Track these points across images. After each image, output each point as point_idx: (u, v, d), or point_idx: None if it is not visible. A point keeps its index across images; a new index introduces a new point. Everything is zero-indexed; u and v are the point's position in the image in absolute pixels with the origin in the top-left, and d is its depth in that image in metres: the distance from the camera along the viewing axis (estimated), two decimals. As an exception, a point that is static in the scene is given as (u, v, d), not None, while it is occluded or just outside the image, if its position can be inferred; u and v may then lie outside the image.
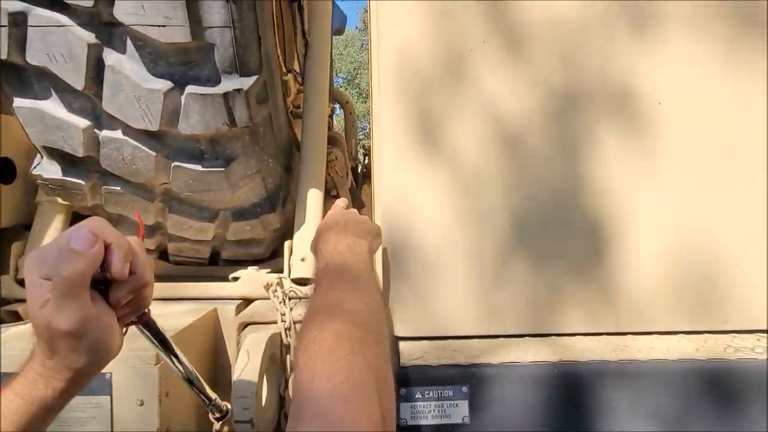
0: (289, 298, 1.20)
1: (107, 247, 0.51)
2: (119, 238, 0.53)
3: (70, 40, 0.89)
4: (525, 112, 1.06)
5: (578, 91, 1.06)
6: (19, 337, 0.99)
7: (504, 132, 1.07)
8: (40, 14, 0.88)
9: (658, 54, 1.06)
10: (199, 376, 0.75)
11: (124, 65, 0.93)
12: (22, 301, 1.23)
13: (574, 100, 1.06)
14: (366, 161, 3.17)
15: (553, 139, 1.06)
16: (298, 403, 0.48)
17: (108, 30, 0.92)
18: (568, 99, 1.06)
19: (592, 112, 1.06)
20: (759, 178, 1.05)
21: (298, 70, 2.24)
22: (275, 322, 1.13)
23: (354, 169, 2.80)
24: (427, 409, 0.92)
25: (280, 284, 1.20)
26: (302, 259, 1.27)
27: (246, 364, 0.94)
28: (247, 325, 1.16)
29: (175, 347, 0.66)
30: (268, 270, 1.38)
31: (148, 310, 0.62)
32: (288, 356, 1.10)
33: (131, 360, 0.87)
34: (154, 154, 1.03)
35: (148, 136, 1.02)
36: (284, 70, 1.51)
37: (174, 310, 1.15)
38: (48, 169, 1.09)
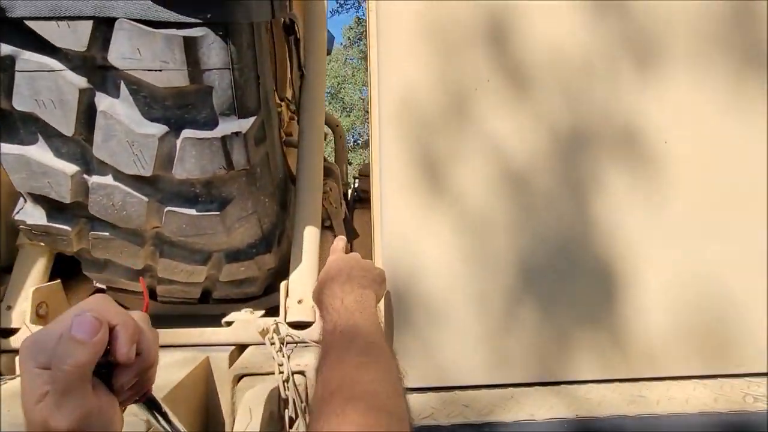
0: (286, 344, 1.15)
1: (112, 330, 0.47)
2: (124, 318, 0.48)
3: (61, 86, 0.85)
4: (530, 151, 1.05)
5: (583, 130, 1.05)
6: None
7: (509, 173, 1.04)
8: (28, 59, 0.84)
9: (663, 92, 1.05)
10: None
11: (117, 110, 0.89)
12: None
13: (579, 139, 1.05)
14: (356, 184, 3.14)
15: (559, 180, 1.04)
16: None
17: (101, 74, 0.87)
18: (574, 138, 1.05)
19: (598, 151, 1.05)
20: (769, 218, 1.04)
21: (290, 98, 2.22)
22: (272, 373, 1.08)
23: (345, 195, 2.77)
24: (439, 472, 0.88)
25: (276, 330, 1.15)
26: (299, 302, 1.22)
27: (248, 424, 0.88)
28: (242, 377, 1.10)
29: (178, 424, 0.61)
30: (262, 312, 1.33)
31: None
32: (286, 411, 1.04)
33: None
34: (146, 199, 0.98)
35: (140, 182, 0.97)
36: (278, 101, 1.48)
37: (164, 361, 1.09)
38: (32, 215, 1.04)
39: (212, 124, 0.95)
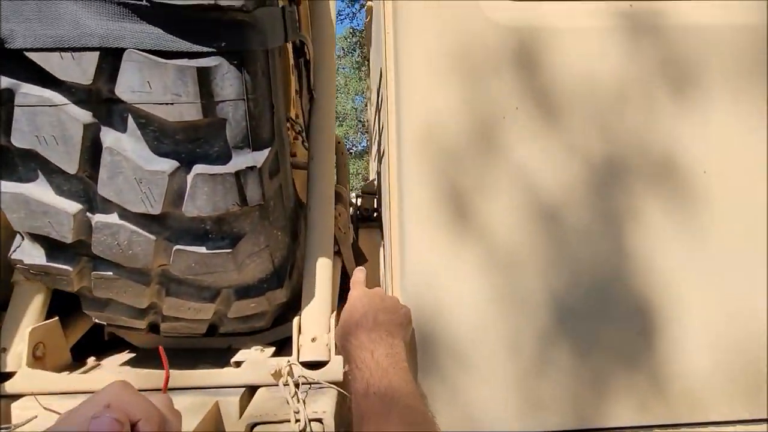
0: (300, 385, 1.08)
1: (134, 426, 0.41)
2: (147, 410, 0.42)
3: (63, 121, 0.78)
4: (562, 183, 0.99)
5: (618, 160, 1.00)
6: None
7: (540, 206, 0.99)
8: (28, 92, 0.77)
9: (701, 120, 1.00)
10: None
11: (124, 145, 0.82)
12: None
13: (613, 170, 0.99)
14: (359, 202, 3.08)
15: (593, 213, 0.99)
16: None
17: (107, 107, 0.81)
18: (608, 169, 0.99)
19: (634, 183, 0.99)
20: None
21: (293, 117, 2.15)
22: (287, 421, 1.00)
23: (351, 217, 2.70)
24: None
25: (290, 372, 1.08)
26: (313, 339, 1.15)
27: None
28: (255, 425, 1.03)
29: None
30: (273, 349, 1.26)
31: None
32: (305, 462, 0.97)
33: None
34: (153, 238, 0.92)
35: (147, 219, 0.90)
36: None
37: (171, 407, 1.02)
38: (30, 254, 0.96)
39: (225, 159, 0.89)
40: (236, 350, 1.43)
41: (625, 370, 0.96)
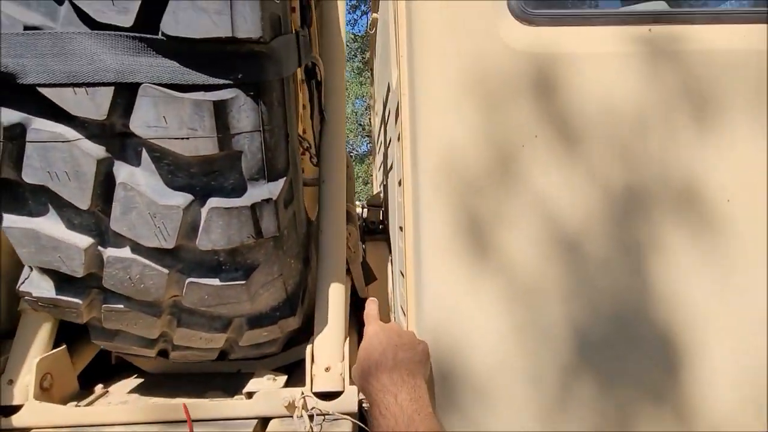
0: (314, 417, 1.06)
1: None
2: None
3: (76, 156, 0.76)
4: (582, 213, 0.97)
5: (639, 189, 0.97)
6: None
7: (560, 236, 0.97)
8: (40, 128, 0.75)
9: (724, 147, 0.98)
10: None
11: (137, 179, 0.80)
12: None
13: (635, 199, 0.97)
14: (364, 214, 3.05)
15: (615, 243, 0.97)
16: None
17: (120, 141, 0.79)
18: (629, 198, 0.97)
19: (656, 212, 0.97)
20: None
21: (301, 133, 2.13)
22: (304, 455, 0.98)
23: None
24: None
25: (304, 405, 1.06)
26: (326, 369, 1.13)
27: None
28: (270, 459, 1.00)
29: None
30: (284, 378, 1.23)
31: None
32: (321, 499, 0.95)
33: None
34: (166, 271, 0.90)
35: (160, 253, 0.88)
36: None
37: (182, 444, 1.00)
38: (39, 286, 0.94)
39: (240, 191, 0.87)
40: (245, 374, 1.41)
41: (649, 404, 0.94)
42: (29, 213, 0.84)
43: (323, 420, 1.07)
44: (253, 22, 0.76)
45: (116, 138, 0.78)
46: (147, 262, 0.88)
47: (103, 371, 1.41)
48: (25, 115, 0.75)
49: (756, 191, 0.98)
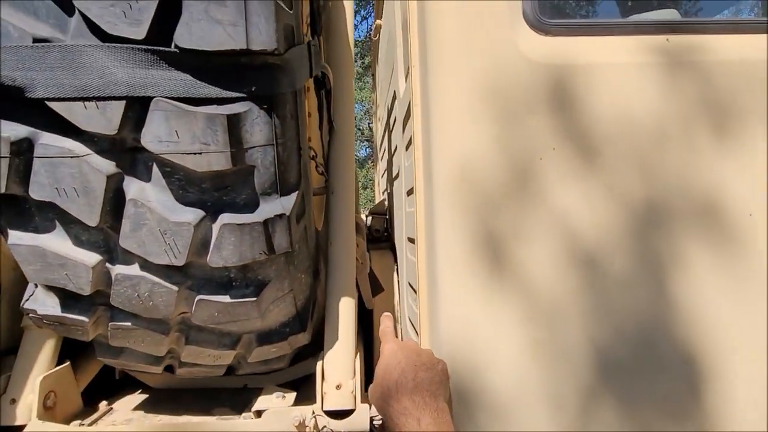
0: (325, 435, 1.03)
1: None
2: None
3: (86, 172, 0.73)
4: (602, 227, 0.94)
5: (660, 202, 0.95)
6: None
7: (580, 252, 0.94)
8: (49, 143, 0.72)
9: (745, 159, 0.96)
10: None
11: (148, 195, 0.78)
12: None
13: (655, 213, 0.95)
14: (368, 222, 3.03)
15: (635, 259, 0.94)
16: None
17: (131, 156, 0.76)
18: (649, 212, 0.95)
19: (677, 226, 0.95)
20: None
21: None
22: (315, 476, 0.96)
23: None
24: None
25: (316, 425, 1.03)
26: (337, 387, 1.10)
27: None
28: (282, 481, 0.97)
29: None
30: (293, 395, 1.20)
31: None
32: None
33: None
34: (176, 288, 0.87)
35: (170, 270, 0.85)
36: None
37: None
38: (44, 303, 0.91)
39: (253, 206, 0.84)
40: (252, 389, 1.38)
41: (673, 425, 0.91)
42: (35, 229, 0.81)
43: (334, 439, 1.04)
44: (267, 34, 0.74)
45: (127, 153, 0.76)
46: (156, 279, 0.85)
47: (107, 386, 1.38)
48: (33, 129, 0.73)
49: (779, 205, 0.95)
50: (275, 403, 1.13)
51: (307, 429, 1.02)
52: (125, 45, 0.69)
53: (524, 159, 0.95)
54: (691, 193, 0.96)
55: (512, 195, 0.95)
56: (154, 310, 0.89)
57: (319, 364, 1.12)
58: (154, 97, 0.71)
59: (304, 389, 1.29)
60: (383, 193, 3.17)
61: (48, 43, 0.69)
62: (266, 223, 0.85)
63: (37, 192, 0.75)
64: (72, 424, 1.09)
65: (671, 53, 1.00)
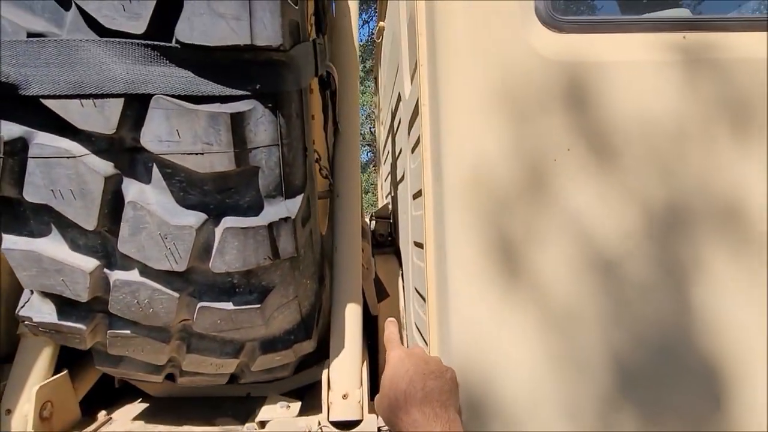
0: (331, 446, 1.00)
1: None
2: None
3: (82, 173, 0.70)
4: (619, 231, 0.91)
5: (679, 205, 0.91)
6: None
7: (596, 256, 0.90)
8: (44, 143, 0.69)
9: (766, 158, 0.92)
10: None
11: (147, 197, 0.74)
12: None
13: (674, 216, 0.91)
14: (372, 226, 3.00)
15: (654, 264, 0.90)
16: None
17: (130, 156, 0.73)
18: (668, 215, 0.91)
19: (697, 230, 0.91)
20: None
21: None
22: (322, 491, 0.92)
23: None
24: None
25: (323, 435, 0.99)
26: (344, 396, 1.06)
27: None
28: (287, 496, 0.94)
29: None
30: (298, 405, 1.17)
31: None
32: None
33: None
34: (176, 295, 0.83)
35: (171, 276, 0.82)
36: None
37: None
38: (40, 311, 0.88)
39: (257, 209, 0.81)
40: (255, 398, 1.34)
41: (694, 437, 0.88)
42: (30, 233, 0.78)
43: (340, 450, 1.01)
44: (273, 29, 0.71)
45: (125, 153, 0.72)
46: (156, 285, 0.82)
47: (106, 395, 1.34)
48: (28, 128, 0.69)
49: (803, 207, 0.92)
50: (279, 413, 1.09)
51: (313, 442, 0.99)
52: (124, 40, 0.66)
53: (538, 159, 0.92)
54: (712, 194, 0.92)
55: (525, 197, 0.92)
56: (154, 318, 0.86)
57: (324, 372, 1.09)
58: (154, 94, 0.68)
59: (308, 398, 1.25)
60: (386, 197, 3.13)
61: (43, 38, 0.66)
62: (271, 227, 0.81)
63: (31, 194, 0.71)
64: (69, 435, 1.05)
65: (689, 51, 0.97)
